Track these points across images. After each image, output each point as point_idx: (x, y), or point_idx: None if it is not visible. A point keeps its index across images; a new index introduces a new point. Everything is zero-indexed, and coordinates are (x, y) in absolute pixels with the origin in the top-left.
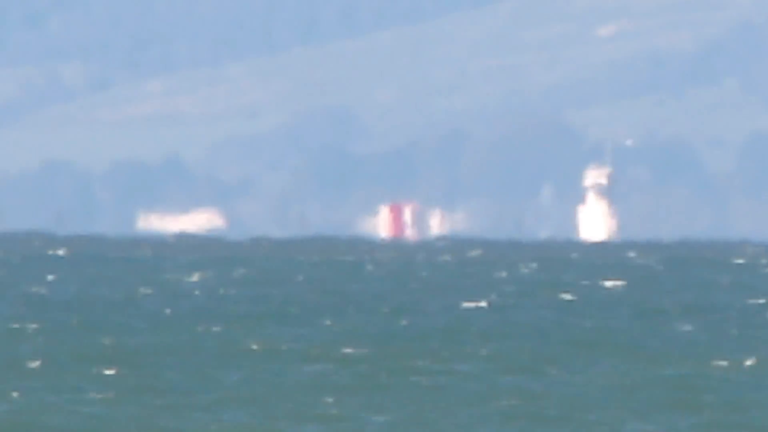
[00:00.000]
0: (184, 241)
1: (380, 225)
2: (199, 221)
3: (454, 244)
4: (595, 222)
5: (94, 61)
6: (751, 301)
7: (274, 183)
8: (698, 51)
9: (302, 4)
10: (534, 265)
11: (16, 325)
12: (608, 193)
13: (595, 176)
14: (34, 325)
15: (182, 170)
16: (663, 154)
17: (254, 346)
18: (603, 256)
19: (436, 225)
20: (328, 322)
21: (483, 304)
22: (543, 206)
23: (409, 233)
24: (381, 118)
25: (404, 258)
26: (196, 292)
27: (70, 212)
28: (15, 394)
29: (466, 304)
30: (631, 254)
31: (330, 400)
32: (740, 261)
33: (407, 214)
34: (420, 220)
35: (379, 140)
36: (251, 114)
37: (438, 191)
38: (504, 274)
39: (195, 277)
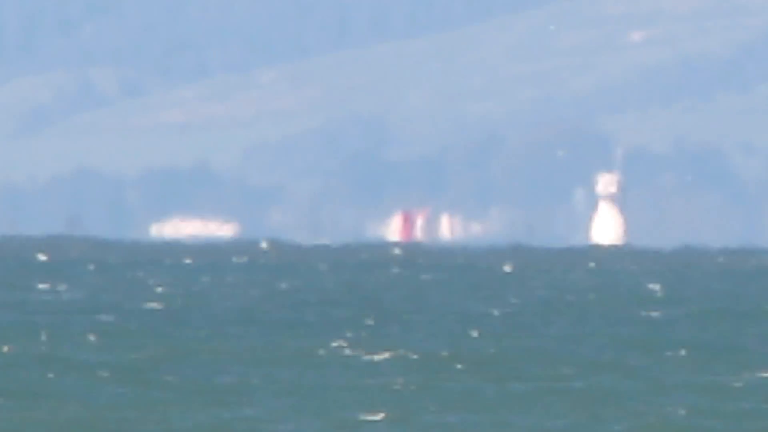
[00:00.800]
0: (220, 248)
1: (391, 231)
2: (227, 227)
3: (489, 250)
4: (605, 229)
5: (126, 67)
6: None
7: (305, 189)
8: (730, 56)
9: (334, 9)
10: (591, 265)
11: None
12: (618, 200)
13: (605, 183)
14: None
15: (213, 176)
16: (694, 160)
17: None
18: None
19: (447, 231)
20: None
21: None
22: (575, 211)
23: (419, 239)
24: (413, 123)
25: (450, 263)
26: (243, 295)
27: (98, 217)
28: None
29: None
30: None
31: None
32: None
33: (418, 221)
34: (430, 226)
35: (412, 146)
36: (283, 120)
37: (470, 197)
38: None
39: (283, 285)
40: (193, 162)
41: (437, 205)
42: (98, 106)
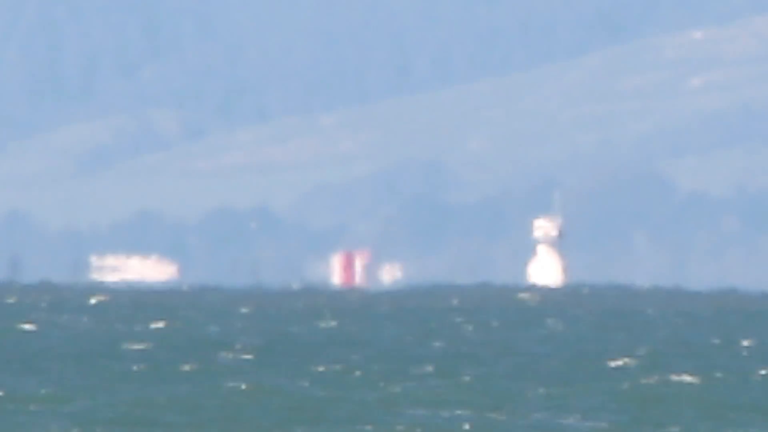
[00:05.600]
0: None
1: (332, 273)
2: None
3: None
4: (543, 273)
5: (186, 109)
6: None
7: (365, 232)
8: None
9: (394, 54)
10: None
11: None
12: (557, 244)
13: (543, 228)
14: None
15: (272, 219)
16: (755, 204)
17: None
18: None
19: (388, 275)
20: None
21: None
22: (637, 254)
23: (360, 282)
24: (472, 167)
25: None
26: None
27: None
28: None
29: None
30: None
31: None
32: None
33: (357, 264)
34: (370, 270)
35: (471, 190)
36: (342, 163)
37: (528, 240)
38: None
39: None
40: (252, 204)
41: (494, 248)
42: (158, 149)
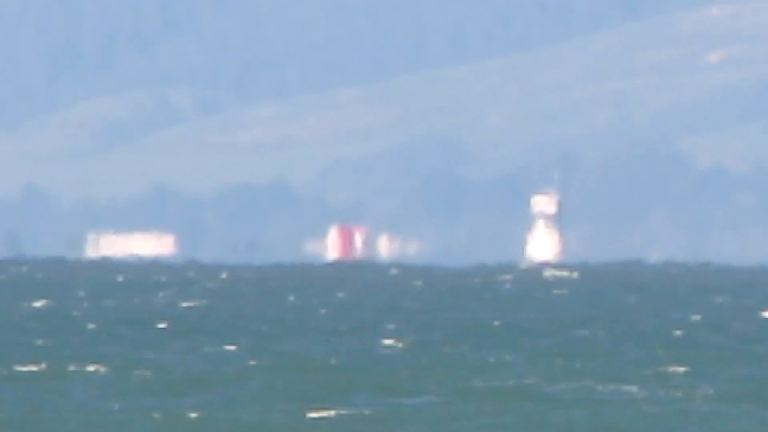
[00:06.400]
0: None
1: (329, 247)
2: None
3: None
4: (540, 248)
5: (203, 85)
6: None
7: (383, 208)
8: None
9: (412, 30)
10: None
11: None
12: (556, 220)
13: (541, 204)
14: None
15: (290, 195)
16: None
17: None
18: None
19: (385, 249)
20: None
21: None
22: (652, 230)
23: (358, 256)
24: (490, 143)
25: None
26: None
27: (180, 238)
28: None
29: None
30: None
31: None
32: None
33: (357, 239)
34: (369, 244)
35: (489, 166)
36: (360, 139)
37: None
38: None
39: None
40: (270, 181)
41: (514, 224)
42: (175, 124)
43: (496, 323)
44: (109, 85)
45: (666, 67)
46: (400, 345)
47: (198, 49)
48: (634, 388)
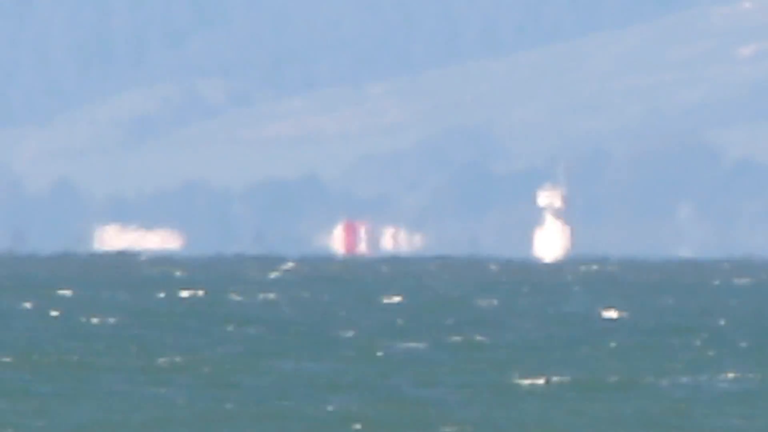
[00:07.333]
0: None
1: (335, 242)
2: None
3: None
4: (550, 243)
5: (234, 78)
6: None
7: (413, 201)
8: None
9: (443, 23)
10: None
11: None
12: (563, 214)
13: (548, 197)
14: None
15: (320, 188)
16: None
17: None
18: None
19: (389, 243)
20: None
21: None
22: (681, 225)
23: (362, 250)
24: (521, 137)
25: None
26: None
27: (207, 231)
28: None
29: None
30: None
31: None
32: None
33: (361, 232)
34: (372, 238)
35: (519, 159)
36: (391, 133)
37: (579, 209)
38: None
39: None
40: (300, 174)
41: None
42: (206, 118)
43: None
44: (139, 79)
45: (697, 60)
46: None
47: (229, 43)
48: None
